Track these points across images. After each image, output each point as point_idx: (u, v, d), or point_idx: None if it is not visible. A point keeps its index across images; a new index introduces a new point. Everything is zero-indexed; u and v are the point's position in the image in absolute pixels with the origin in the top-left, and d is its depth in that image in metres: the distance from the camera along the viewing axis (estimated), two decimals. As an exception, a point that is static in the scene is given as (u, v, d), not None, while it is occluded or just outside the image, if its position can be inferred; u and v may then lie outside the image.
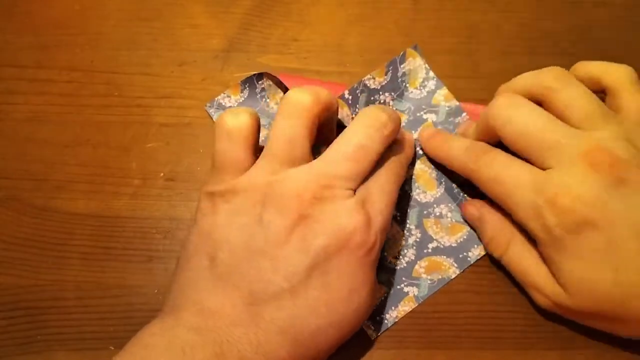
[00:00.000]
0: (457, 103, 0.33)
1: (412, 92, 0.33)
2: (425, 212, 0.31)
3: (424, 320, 0.30)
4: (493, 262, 0.31)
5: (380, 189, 0.27)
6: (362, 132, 0.27)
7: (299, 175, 0.26)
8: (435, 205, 0.31)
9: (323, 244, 0.24)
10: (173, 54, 0.35)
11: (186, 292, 0.25)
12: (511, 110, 0.27)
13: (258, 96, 0.33)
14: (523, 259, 0.28)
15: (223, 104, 0.33)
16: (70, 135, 0.33)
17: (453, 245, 0.31)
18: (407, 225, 0.31)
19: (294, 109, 0.26)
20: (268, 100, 0.33)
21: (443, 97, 0.33)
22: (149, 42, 0.35)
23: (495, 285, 0.31)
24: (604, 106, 0.27)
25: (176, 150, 0.33)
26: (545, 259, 0.27)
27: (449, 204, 0.31)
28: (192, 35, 0.36)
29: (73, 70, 0.35)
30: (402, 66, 0.34)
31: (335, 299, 0.25)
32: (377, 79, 0.33)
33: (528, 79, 0.28)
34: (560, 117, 0.27)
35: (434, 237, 0.31)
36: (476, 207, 0.30)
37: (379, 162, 0.28)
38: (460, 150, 0.29)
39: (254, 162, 0.27)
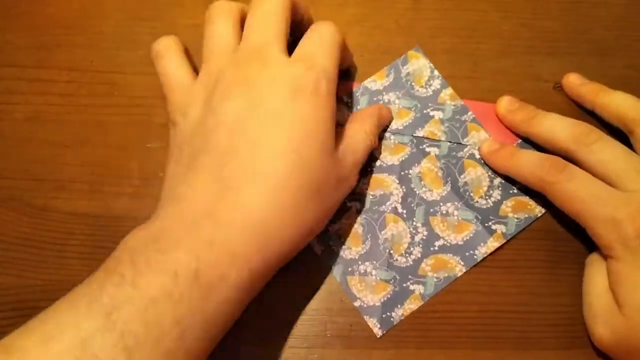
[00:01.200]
0: (462, 102, 0.33)
1: (417, 90, 0.34)
2: (431, 210, 0.32)
3: (424, 320, 0.30)
4: (494, 262, 0.31)
5: (311, 45, 0.28)
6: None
7: (233, 56, 0.28)
8: (441, 204, 0.32)
9: (272, 96, 0.26)
10: (173, 54, 0.35)
11: (165, 194, 0.27)
12: (598, 141, 0.29)
13: (404, 80, 0.34)
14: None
15: (369, 87, 0.34)
16: (70, 135, 0.33)
17: (459, 243, 0.31)
18: (414, 223, 0.31)
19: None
20: (413, 83, 0.34)
21: (448, 97, 0.33)
22: (149, 42, 0.35)
23: (495, 285, 0.31)
24: None
25: (176, 150, 0.33)
26: (616, 278, 0.27)
27: (456, 202, 0.32)
28: (192, 35, 0.35)
29: (73, 70, 0.35)
30: (405, 67, 0.34)
31: (296, 140, 0.25)
32: (378, 81, 0.34)
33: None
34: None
35: (441, 235, 0.31)
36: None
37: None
38: (533, 164, 0.30)
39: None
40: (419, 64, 0.34)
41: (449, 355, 0.29)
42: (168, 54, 0.30)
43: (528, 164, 0.30)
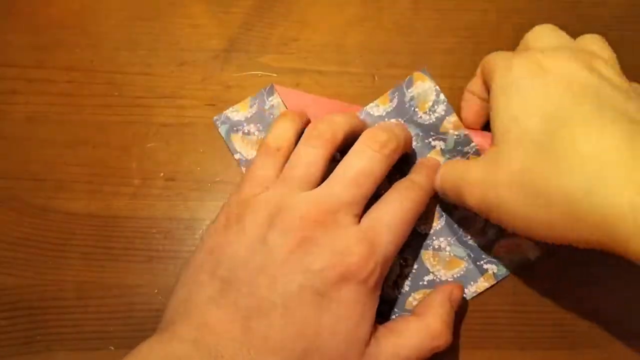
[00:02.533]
0: (466, 132, 0.32)
1: (420, 116, 0.32)
2: (423, 243, 0.31)
3: (424, 320, 0.30)
4: (493, 262, 0.31)
5: (388, 221, 0.26)
6: (362, 154, 0.27)
7: (306, 199, 0.26)
8: (434, 238, 0.31)
9: (320, 267, 0.24)
10: (173, 54, 0.35)
11: (185, 306, 0.25)
12: None
13: (266, 113, 0.33)
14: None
15: (231, 117, 0.33)
16: (70, 135, 0.33)
17: (449, 279, 0.30)
18: (404, 255, 0.31)
19: (316, 140, 0.28)
20: (417, 109, 0.32)
21: (452, 125, 0.32)
22: (149, 42, 0.35)
23: (495, 285, 0.31)
24: None
25: (176, 150, 0.33)
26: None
27: (449, 238, 0.31)
28: (192, 35, 0.36)
29: (73, 70, 0.35)
30: (409, 90, 0.33)
31: (324, 325, 0.24)
32: (381, 106, 0.33)
33: None
34: None
35: (431, 270, 0.30)
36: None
37: (391, 184, 0.28)
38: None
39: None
40: (424, 87, 0.33)
41: (449, 355, 0.29)
42: (282, 150, 0.29)
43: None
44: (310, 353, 0.24)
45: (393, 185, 0.29)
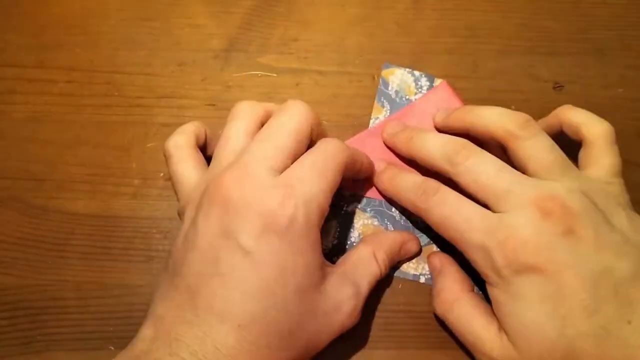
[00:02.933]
0: (440, 81, 0.33)
1: (414, 99, 0.33)
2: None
3: (424, 320, 0.30)
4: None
5: (303, 170, 0.26)
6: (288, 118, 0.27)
7: (224, 169, 0.26)
8: None
9: (240, 226, 0.24)
10: (173, 54, 0.35)
11: (150, 309, 0.26)
12: (470, 158, 0.27)
13: (397, 100, 0.33)
14: (470, 318, 0.27)
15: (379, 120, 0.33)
16: (70, 135, 0.33)
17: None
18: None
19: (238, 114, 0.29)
20: (407, 96, 0.33)
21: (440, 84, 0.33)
22: (149, 42, 0.35)
23: None
24: (565, 160, 0.27)
25: (176, 150, 0.33)
26: (494, 305, 0.26)
27: None
28: (192, 35, 0.36)
29: (73, 70, 0.35)
30: (389, 88, 0.34)
31: (268, 279, 0.24)
32: (380, 116, 0.33)
33: (495, 119, 0.28)
34: (520, 165, 0.27)
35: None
36: (439, 258, 0.30)
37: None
38: (411, 188, 0.29)
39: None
40: (399, 77, 0.34)
41: (449, 355, 0.29)
42: (177, 154, 0.29)
43: (405, 188, 0.29)
44: (263, 312, 0.24)
45: None
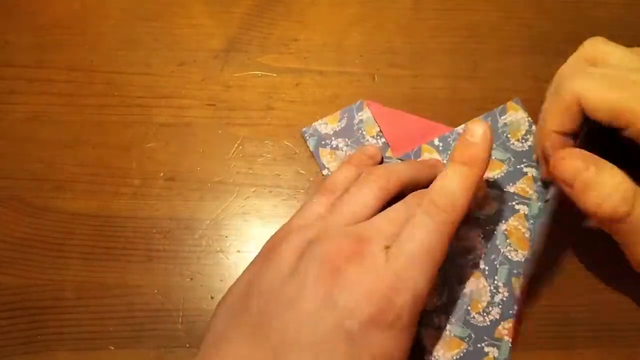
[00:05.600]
0: None
1: (513, 143, 0.32)
2: (515, 271, 0.30)
3: (424, 320, 0.30)
4: (493, 262, 0.31)
5: (412, 252, 0.24)
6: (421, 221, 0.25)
7: (345, 230, 0.25)
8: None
9: (350, 304, 0.23)
10: (173, 54, 0.35)
11: (220, 339, 0.24)
12: None
13: (500, 130, 0.33)
14: None
15: (319, 130, 0.33)
16: (70, 135, 0.33)
17: None
18: (495, 282, 0.29)
19: (371, 183, 0.27)
20: (509, 135, 0.33)
21: None
22: (149, 42, 0.35)
23: None
24: None
25: (176, 150, 0.33)
26: None
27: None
28: (192, 35, 0.36)
29: (73, 70, 0.35)
30: (502, 117, 0.33)
31: None
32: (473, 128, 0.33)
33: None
34: None
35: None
36: (582, 157, 0.25)
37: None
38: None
39: None
40: (516, 117, 0.33)
41: None
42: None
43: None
44: None
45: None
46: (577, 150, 0.26)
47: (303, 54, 0.35)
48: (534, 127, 0.32)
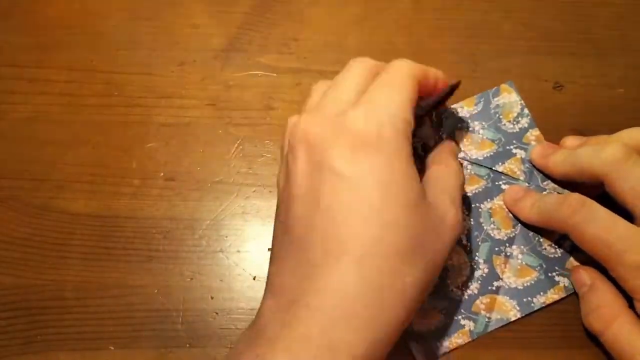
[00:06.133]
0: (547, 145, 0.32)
1: (505, 124, 0.33)
2: (496, 248, 0.30)
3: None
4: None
5: (382, 85, 0.26)
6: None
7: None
8: (507, 245, 0.30)
9: (331, 155, 0.24)
10: (173, 54, 0.35)
11: (269, 270, 0.25)
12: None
13: (492, 111, 0.33)
14: (631, 336, 0.26)
15: (456, 113, 0.33)
16: (70, 135, 0.33)
17: (519, 287, 0.30)
18: (476, 258, 0.30)
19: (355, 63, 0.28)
20: (501, 116, 0.33)
21: (534, 138, 0.32)
22: (149, 42, 0.35)
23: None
24: None
25: (176, 150, 0.33)
26: None
27: (522, 246, 0.30)
28: (192, 35, 0.36)
29: (73, 70, 0.35)
30: (495, 99, 0.33)
31: (372, 199, 0.23)
32: (465, 108, 0.33)
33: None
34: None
35: (500, 276, 0.30)
36: (588, 273, 0.28)
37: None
38: (555, 207, 0.28)
39: None
40: (510, 99, 0.33)
41: (449, 355, 0.29)
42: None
43: (550, 208, 0.28)
44: (377, 238, 0.22)
45: None
46: (590, 268, 0.29)
47: (303, 54, 0.35)
48: (526, 110, 0.33)
